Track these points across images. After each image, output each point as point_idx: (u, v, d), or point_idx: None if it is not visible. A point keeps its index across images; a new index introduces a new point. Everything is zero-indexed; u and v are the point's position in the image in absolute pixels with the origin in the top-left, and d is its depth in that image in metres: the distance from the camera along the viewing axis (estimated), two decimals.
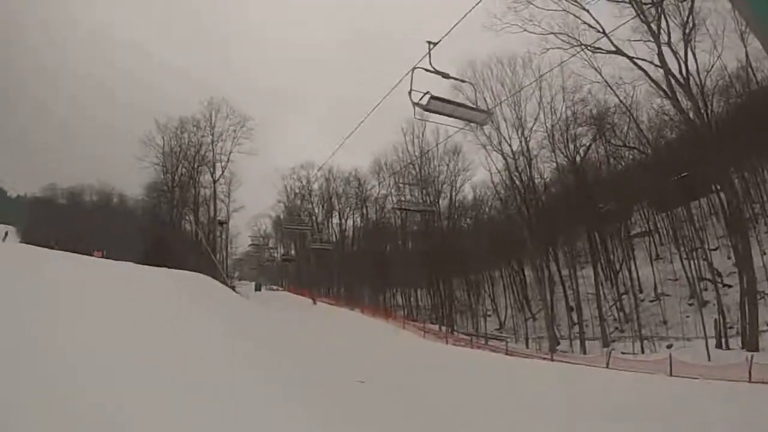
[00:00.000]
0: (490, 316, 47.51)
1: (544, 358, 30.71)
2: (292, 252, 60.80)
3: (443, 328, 44.34)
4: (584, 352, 35.83)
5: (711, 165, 33.13)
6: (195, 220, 50.78)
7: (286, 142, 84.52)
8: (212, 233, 51.42)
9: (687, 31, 32.96)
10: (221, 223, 51.64)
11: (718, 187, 35.49)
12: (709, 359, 28.53)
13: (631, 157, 42.39)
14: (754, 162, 37.38)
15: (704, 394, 18.23)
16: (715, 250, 37.17)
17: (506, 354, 31.29)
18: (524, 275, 46.93)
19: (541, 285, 41.05)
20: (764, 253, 33.05)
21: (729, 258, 35.03)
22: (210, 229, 51.37)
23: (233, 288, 44.02)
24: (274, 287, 62.65)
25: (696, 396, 17.87)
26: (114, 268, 22.42)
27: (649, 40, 33.57)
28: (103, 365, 8.45)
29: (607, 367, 25.59)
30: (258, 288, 56.20)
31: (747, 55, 35.21)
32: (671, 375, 22.72)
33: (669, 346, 32.63)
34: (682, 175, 35.97)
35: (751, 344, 29.59)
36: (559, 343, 38.51)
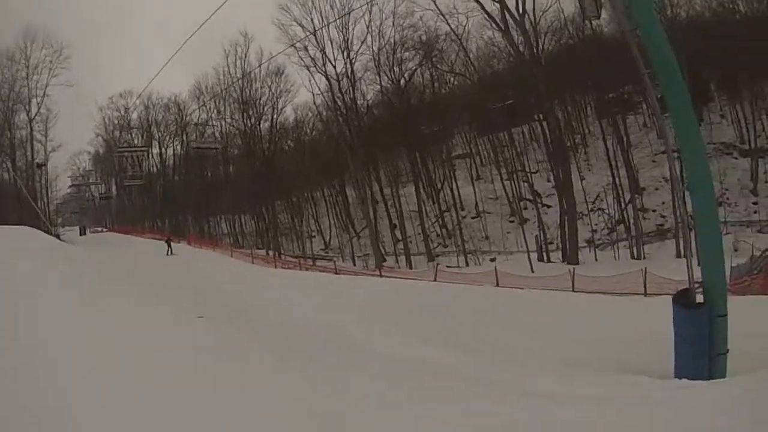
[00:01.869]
0: (314, 237, 50.13)
1: (373, 275, 33.39)
2: (113, 189, 59.22)
3: (270, 253, 46.45)
4: (410, 267, 40.38)
5: (536, 95, 38.16)
6: (13, 166, 48.07)
7: (105, 72, 79.67)
8: (31, 179, 49.07)
9: None
10: (40, 166, 49.24)
11: (541, 116, 40.81)
12: (533, 271, 33.74)
13: (456, 83, 46.90)
14: (577, 97, 44.25)
15: (532, 300, 21.06)
16: (535, 173, 43.39)
17: (335, 273, 33.56)
18: (346, 195, 50.32)
19: (364, 204, 44.84)
20: (583, 179, 39.57)
21: (549, 181, 41.21)
22: (29, 174, 48.97)
23: (58, 236, 42.90)
24: (99, 228, 60.74)
25: (523, 302, 20.58)
26: None
27: None
28: None
29: (435, 280, 28.55)
30: (82, 232, 54.74)
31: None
32: (498, 285, 25.73)
33: (492, 260, 38.14)
34: (507, 102, 39.62)
35: (572, 258, 36.25)
36: (385, 260, 42.52)
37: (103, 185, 60.98)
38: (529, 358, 12.32)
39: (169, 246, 38.35)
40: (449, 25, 42.42)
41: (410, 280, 29.11)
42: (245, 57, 50.04)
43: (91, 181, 60.39)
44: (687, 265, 10.39)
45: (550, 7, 39.55)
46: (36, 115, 48.89)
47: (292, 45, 42.75)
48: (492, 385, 9.11)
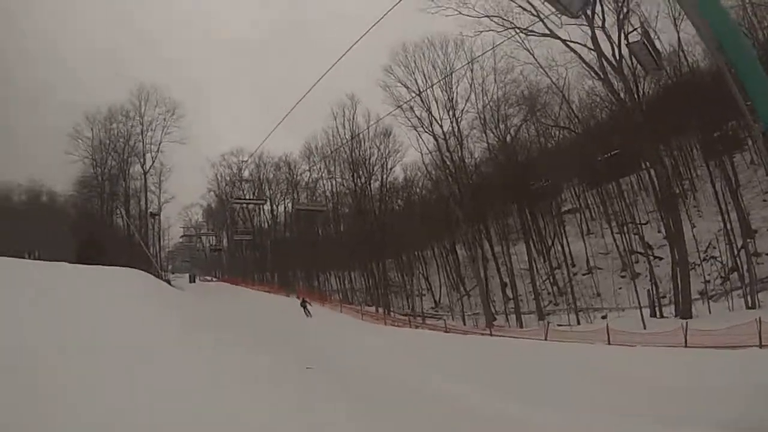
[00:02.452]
0: (424, 295, 51.95)
1: (483, 334, 34.58)
2: (225, 242, 64.95)
3: (380, 310, 48.95)
4: (521, 326, 40.99)
5: (641, 143, 38.72)
6: (126, 214, 53.15)
7: (214, 130, 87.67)
8: (144, 226, 54.22)
9: (621, 16, 37.96)
10: (153, 215, 54.49)
11: (648, 165, 41.48)
12: (645, 327, 33.21)
13: (561, 136, 48.51)
14: (682, 141, 44.45)
15: (643, 357, 21.41)
16: (645, 224, 44.04)
17: (445, 331, 35.43)
18: (456, 254, 52.03)
19: (474, 263, 46.28)
20: (694, 227, 39.42)
21: (659, 231, 41.81)
22: (142, 223, 54.13)
23: (168, 281, 47.21)
24: (208, 278, 65.29)
25: (635, 360, 21.02)
26: (48, 269, 23.99)
27: (584, 24, 37.98)
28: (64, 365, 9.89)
29: (545, 339, 29.27)
30: (192, 279, 58.98)
31: (679, 40, 41.28)
32: (609, 343, 26.14)
33: (604, 317, 38.44)
34: (612, 152, 41.90)
35: (684, 312, 35.04)
36: (495, 318, 43.53)
37: (214, 237, 66.03)
38: (637, 416, 12.64)
39: (305, 308, 39.51)
40: (550, 78, 43.97)
41: (521, 339, 30.27)
42: (353, 118, 54.17)
43: (202, 231, 65.33)
44: None
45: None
46: (150, 168, 54.34)
47: (399, 107, 46.16)
48: None
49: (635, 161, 44.00)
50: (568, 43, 39.71)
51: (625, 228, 43.88)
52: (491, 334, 33.84)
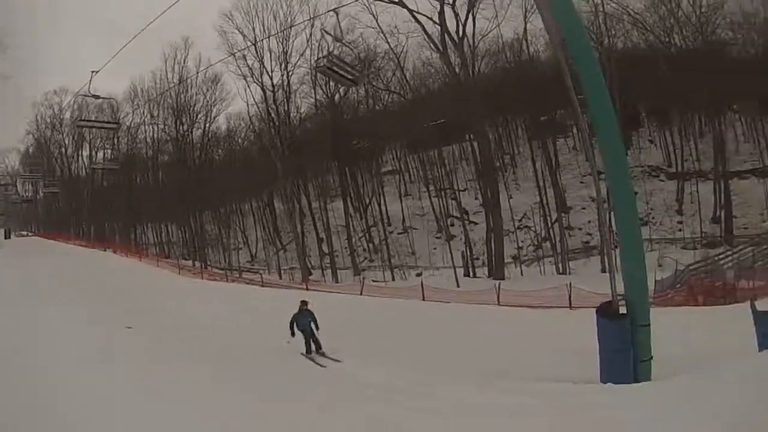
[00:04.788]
0: (241, 249, 52.47)
1: (299, 288, 35.26)
2: (42, 191, 59.39)
3: (197, 264, 48.45)
4: (336, 281, 43.08)
5: (469, 116, 42.02)
6: None
7: (42, 67, 78.31)
8: None
9: None
10: None
11: (472, 137, 45.41)
12: (458, 286, 36.57)
13: (390, 100, 50.26)
14: (510, 120, 49.23)
15: (458, 314, 23.46)
16: (463, 191, 47.58)
17: (261, 286, 35.67)
18: (274, 208, 52.83)
19: (292, 217, 47.43)
20: (511, 198, 43.43)
21: (476, 199, 45.53)
22: None
23: None
24: (24, 233, 61.80)
25: (449, 315, 22.98)
26: None
27: None
28: None
29: (361, 294, 30.62)
30: (7, 235, 55.99)
31: (525, 30, 44.67)
32: (424, 299, 27.87)
33: (419, 274, 41.63)
34: (439, 121, 45.09)
35: (498, 274, 39.68)
36: (311, 273, 45.01)
37: (31, 186, 60.92)
38: (452, 369, 13.62)
39: None
40: (389, 44, 45.52)
41: (337, 294, 31.18)
42: (184, 62, 52.00)
43: (19, 180, 60.43)
44: (610, 279, 11.73)
45: (489, 32, 43.60)
46: None
47: (232, 54, 45.60)
48: (403, 393, 10.94)
49: (460, 132, 47.32)
50: (414, 13, 41.76)
51: (443, 193, 46.89)
52: (307, 288, 34.14)
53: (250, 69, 47.53)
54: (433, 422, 8.54)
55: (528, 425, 7.72)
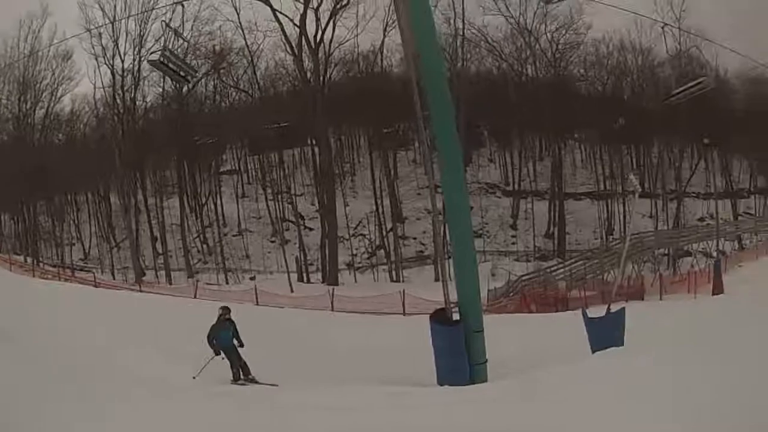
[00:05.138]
0: (74, 245, 53.83)
1: (132, 289, 38.43)
2: None
3: (29, 260, 49.58)
4: (170, 283, 45.70)
5: (313, 122, 47.59)
6: None
7: None
8: None
9: (337, 5, 46.20)
10: None
11: (314, 142, 50.00)
12: (292, 291, 40.72)
13: (238, 98, 54.37)
14: (354, 129, 55.01)
15: (291, 318, 26.26)
16: (300, 195, 52.23)
17: (95, 286, 37.42)
18: (110, 201, 53.49)
19: (127, 213, 49.10)
20: (347, 205, 49.21)
21: (312, 204, 50.37)
22: None
23: None
24: None
25: (282, 320, 25.57)
26: None
27: (299, 0, 45.30)
28: None
29: (195, 297, 33.79)
30: None
31: (383, 43, 50.10)
32: (257, 304, 31.48)
33: (252, 278, 45.99)
34: (283, 124, 49.26)
35: (331, 279, 45.04)
36: (144, 274, 47.36)
37: None
38: (290, 375, 14.97)
39: None
40: (245, 40, 49.41)
41: (170, 297, 34.17)
42: (38, 33, 51.44)
43: None
44: (443, 288, 13.33)
45: (347, 41, 49.07)
46: None
47: (88, 30, 46.63)
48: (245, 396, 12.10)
49: (303, 136, 52.16)
50: (277, 12, 46.25)
51: (279, 196, 51.67)
52: (140, 290, 37.74)
53: (104, 49, 48.95)
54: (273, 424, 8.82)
55: (368, 425, 8.16)
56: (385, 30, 49.24)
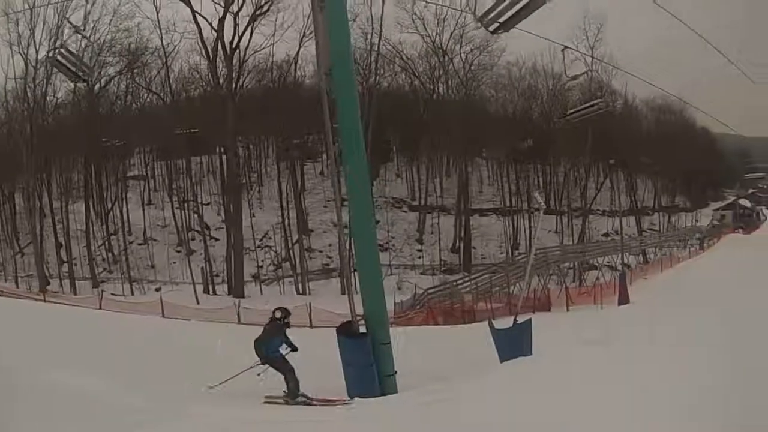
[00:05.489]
0: None
1: (37, 299, 38.64)
2: None
3: None
4: (75, 293, 46.74)
5: (223, 130, 49.70)
6: None
7: None
8: None
9: (257, 11, 48.70)
10: None
11: (223, 150, 52.68)
12: (198, 303, 42.78)
13: (149, 99, 56.30)
14: (263, 138, 58.35)
15: (199, 331, 26.31)
16: (207, 204, 55.06)
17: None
18: (14, 202, 54.08)
19: (32, 216, 49.41)
20: (253, 216, 52.06)
21: (219, 214, 53.72)
22: None
23: None
24: None
25: (191, 333, 25.64)
26: None
27: (219, 3, 48.11)
28: None
29: (99, 308, 34.71)
30: None
31: (298, 53, 53.37)
32: (164, 316, 32.27)
33: (158, 289, 47.20)
34: (192, 130, 50.63)
35: (237, 291, 47.38)
36: (49, 283, 48.11)
37: None
38: (194, 388, 14.47)
39: None
40: (161, 40, 51.25)
41: (75, 307, 34.55)
42: None
43: None
44: (349, 300, 13.67)
45: (263, 48, 51.93)
46: None
47: (6, 14, 46.55)
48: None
49: (211, 144, 55.28)
50: (195, 13, 48.51)
51: (186, 205, 54.15)
52: (45, 300, 38.07)
53: (20, 36, 48.96)
54: None
55: None
56: (301, 40, 52.28)
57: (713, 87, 53.61)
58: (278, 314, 14.83)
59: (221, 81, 51.23)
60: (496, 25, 12.78)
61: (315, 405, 13.54)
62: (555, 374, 9.63)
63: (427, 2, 52.00)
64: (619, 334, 14.65)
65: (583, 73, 23.89)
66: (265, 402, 13.66)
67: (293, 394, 13.66)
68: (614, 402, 6.97)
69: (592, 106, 22.80)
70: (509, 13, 12.40)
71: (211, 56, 50.46)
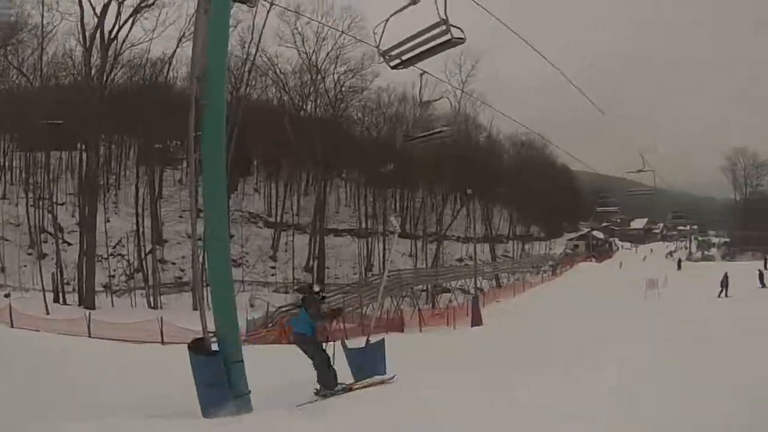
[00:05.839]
0: None
1: None
2: None
3: None
4: None
5: (89, 124, 49.69)
6: None
7: None
8: None
9: (142, 3, 50.30)
10: None
11: (84, 147, 52.79)
12: (48, 312, 41.89)
13: (18, 82, 55.17)
14: (124, 138, 58.63)
15: (48, 344, 24.17)
16: (62, 204, 54.41)
17: None
18: None
19: None
20: (108, 221, 52.42)
21: (73, 216, 53.48)
22: None
23: None
24: None
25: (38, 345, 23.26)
26: None
27: None
28: None
29: None
30: None
31: (174, 53, 55.69)
32: (13, 326, 30.54)
33: (7, 295, 45.51)
34: (56, 122, 50.83)
35: (88, 302, 46.72)
36: None
37: None
38: (38, 406, 13.21)
39: None
40: (42, 18, 51.26)
41: None
42: None
43: None
44: (201, 316, 13.26)
45: (140, 43, 53.15)
46: None
47: None
48: None
49: (73, 139, 55.22)
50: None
51: (41, 202, 53.49)
52: None
53: None
54: None
55: None
56: (180, 40, 54.17)
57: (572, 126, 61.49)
58: (317, 288, 14.82)
59: (93, 72, 51.61)
60: (398, 61, 13.30)
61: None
62: (405, 396, 11.17)
63: (310, 19, 54.69)
64: (471, 353, 17.26)
65: (438, 99, 26.80)
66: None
67: (331, 384, 13.69)
68: (467, 421, 8.45)
69: (437, 132, 21.52)
70: (415, 52, 12.94)
71: (87, 43, 50.62)
